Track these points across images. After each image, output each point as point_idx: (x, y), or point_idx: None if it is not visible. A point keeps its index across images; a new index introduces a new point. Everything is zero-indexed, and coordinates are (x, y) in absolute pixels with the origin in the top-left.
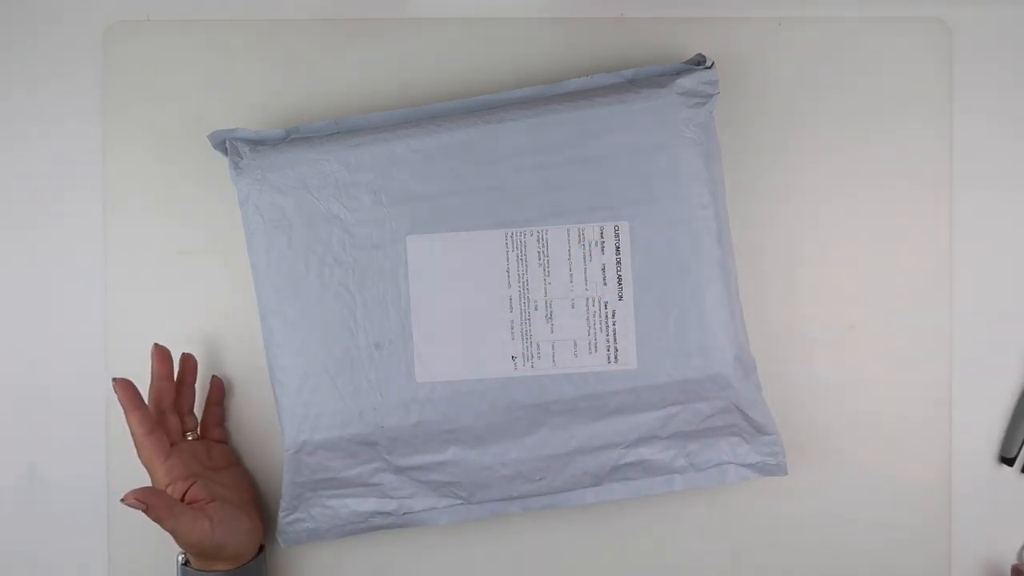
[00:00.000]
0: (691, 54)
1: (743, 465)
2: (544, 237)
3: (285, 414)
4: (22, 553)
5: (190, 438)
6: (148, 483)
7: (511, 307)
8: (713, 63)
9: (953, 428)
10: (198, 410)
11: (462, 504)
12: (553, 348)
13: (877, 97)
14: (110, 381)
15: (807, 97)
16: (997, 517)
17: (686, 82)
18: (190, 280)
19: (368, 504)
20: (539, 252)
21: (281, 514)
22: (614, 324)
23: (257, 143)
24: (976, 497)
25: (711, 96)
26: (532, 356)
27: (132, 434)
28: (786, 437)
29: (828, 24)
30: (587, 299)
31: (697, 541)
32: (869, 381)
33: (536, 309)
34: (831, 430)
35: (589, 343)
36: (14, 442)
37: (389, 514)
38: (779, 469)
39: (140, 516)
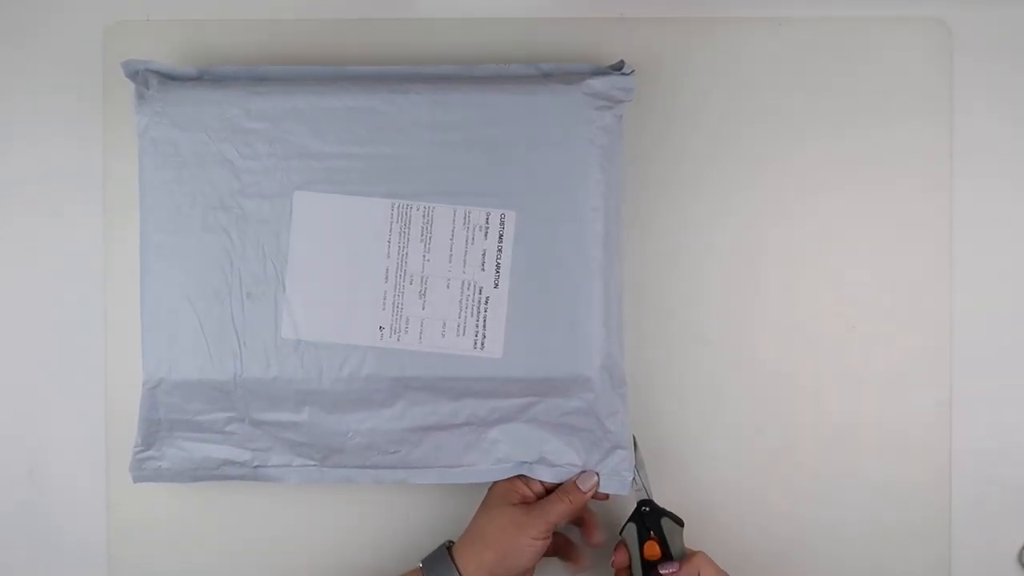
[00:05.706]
0: (689, 53)
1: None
2: (430, 213)
3: (148, 347)
4: (22, 558)
5: None
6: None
7: (387, 277)
8: (633, 71)
9: (953, 428)
10: None
11: (315, 466)
12: (422, 325)
13: (877, 97)
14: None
15: (807, 97)
16: (997, 517)
17: (597, 83)
18: None
19: (222, 452)
20: (423, 227)
21: (134, 449)
22: (486, 311)
23: (168, 77)
24: (976, 497)
25: (621, 102)
26: (400, 330)
27: (561, 513)
28: (787, 437)
29: (828, 24)
30: (463, 282)
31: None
32: (869, 381)
33: (411, 283)
34: (831, 430)
35: (458, 325)
36: (14, 445)
37: (242, 465)
38: (623, 487)
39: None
